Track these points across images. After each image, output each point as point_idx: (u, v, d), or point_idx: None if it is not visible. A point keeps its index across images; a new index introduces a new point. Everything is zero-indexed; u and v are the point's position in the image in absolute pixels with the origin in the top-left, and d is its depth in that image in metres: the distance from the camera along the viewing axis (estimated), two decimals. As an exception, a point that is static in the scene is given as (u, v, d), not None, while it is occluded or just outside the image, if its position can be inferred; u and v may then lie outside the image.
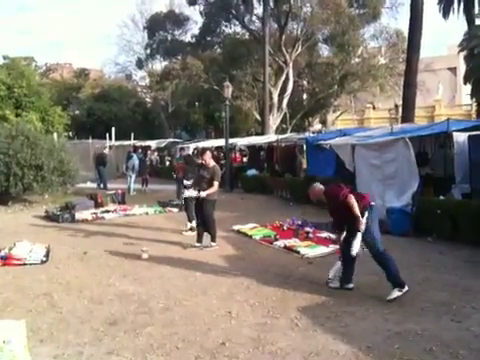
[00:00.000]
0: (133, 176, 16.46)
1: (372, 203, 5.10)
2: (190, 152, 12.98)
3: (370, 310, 4.54)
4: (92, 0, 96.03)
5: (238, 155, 20.91)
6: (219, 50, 32.43)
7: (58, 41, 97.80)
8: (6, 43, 79.06)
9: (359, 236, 4.87)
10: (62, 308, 4.71)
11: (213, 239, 7.54)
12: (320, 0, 26.34)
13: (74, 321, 4.36)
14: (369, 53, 29.81)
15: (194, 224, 8.70)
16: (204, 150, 8.40)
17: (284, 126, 30.33)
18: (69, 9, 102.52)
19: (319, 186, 5.38)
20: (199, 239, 7.59)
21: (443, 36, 65.79)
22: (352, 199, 4.89)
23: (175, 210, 11.53)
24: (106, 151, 18.04)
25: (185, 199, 8.87)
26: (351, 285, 5.21)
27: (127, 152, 17.98)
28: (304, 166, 14.42)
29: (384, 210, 8.17)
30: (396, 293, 4.80)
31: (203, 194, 7.36)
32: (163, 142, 27.05)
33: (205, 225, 7.56)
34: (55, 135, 15.94)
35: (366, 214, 4.93)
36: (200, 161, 7.95)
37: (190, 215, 8.80)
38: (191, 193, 8.01)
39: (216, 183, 7.43)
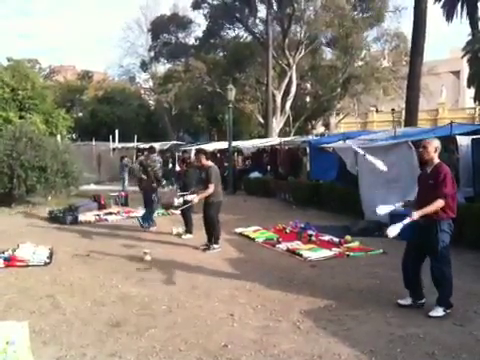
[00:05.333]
0: (126, 176, 17.08)
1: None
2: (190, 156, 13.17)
3: (372, 314, 4.53)
4: (93, 3, 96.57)
5: (241, 160, 20.93)
6: (222, 53, 32.50)
7: (60, 44, 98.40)
8: (8, 47, 79.65)
9: (406, 221, 4.37)
10: (65, 310, 4.73)
11: (216, 241, 7.54)
12: (323, 3, 26.40)
13: (77, 323, 4.37)
14: (372, 56, 29.84)
15: (180, 230, 8.83)
16: (198, 152, 8.28)
17: (287, 129, 30.36)
18: (70, 13, 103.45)
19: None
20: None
21: (444, 39, 65.82)
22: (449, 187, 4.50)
23: (178, 212, 11.52)
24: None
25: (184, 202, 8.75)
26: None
27: (120, 156, 18.95)
28: (307, 169, 14.43)
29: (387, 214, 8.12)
30: (441, 312, 4.44)
31: (195, 199, 7.44)
32: (166, 144, 27.11)
33: (209, 227, 7.57)
34: (58, 137, 16.02)
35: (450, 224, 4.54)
36: (198, 163, 7.87)
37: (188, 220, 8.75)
38: (183, 200, 7.80)
39: (211, 186, 7.30)
